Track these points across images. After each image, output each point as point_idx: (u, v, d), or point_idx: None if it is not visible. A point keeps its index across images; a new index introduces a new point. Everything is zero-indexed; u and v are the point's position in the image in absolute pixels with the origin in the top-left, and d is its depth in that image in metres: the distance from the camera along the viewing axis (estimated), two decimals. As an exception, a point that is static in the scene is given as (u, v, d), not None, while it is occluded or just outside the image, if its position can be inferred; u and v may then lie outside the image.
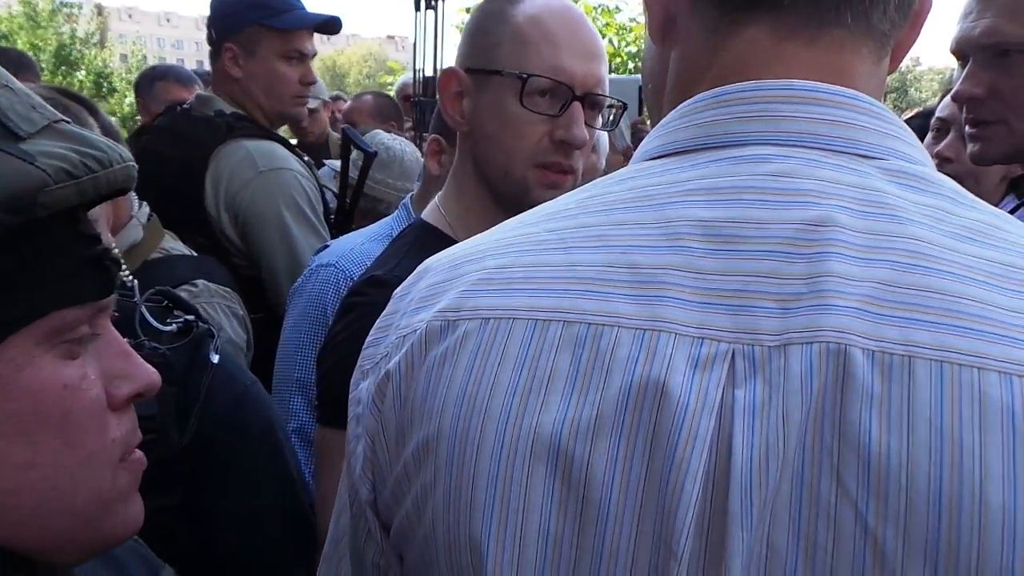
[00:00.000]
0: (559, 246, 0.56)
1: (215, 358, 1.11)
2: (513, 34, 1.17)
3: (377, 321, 0.65)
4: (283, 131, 2.51)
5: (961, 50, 1.34)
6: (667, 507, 0.48)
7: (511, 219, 0.63)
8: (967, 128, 1.35)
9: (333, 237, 2.02)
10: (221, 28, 2.09)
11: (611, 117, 1.28)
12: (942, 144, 1.93)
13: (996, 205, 1.91)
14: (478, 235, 0.64)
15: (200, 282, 1.62)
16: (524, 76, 1.14)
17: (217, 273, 1.70)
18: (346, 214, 2.24)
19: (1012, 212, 1.71)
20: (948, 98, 1.96)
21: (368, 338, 0.65)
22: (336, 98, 4.30)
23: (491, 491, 0.52)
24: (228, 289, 1.69)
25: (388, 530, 0.61)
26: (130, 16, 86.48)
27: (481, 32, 1.20)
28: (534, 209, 0.63)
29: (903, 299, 0.48)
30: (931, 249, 0.49)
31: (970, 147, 1.36)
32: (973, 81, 1.30)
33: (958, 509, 0.44)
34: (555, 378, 0.52)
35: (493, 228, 0.63)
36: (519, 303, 0.55)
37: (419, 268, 0.65)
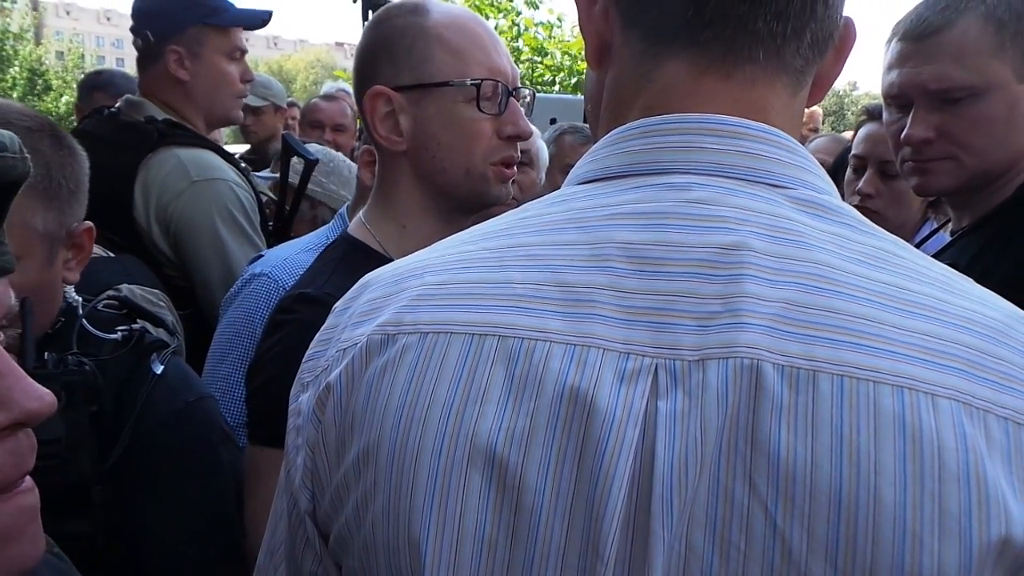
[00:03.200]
0: (495, 264, 0.60)
1: (158, 369, 1.07)
2: (441, 44, 1.19)
3: (317, 334, 0.67)
4: (228, 132, 2.45)
5: (904, 95, 1.36)
6: (595, 512, 0.52)
7: (450, 237, 0.66)
8: (910, 164, 1.39)
9: (271, 245, 1.98)
10: (161, 29, 2.01)
11: (524, 108, 1.35)
12: (862, 181, 1.98)
13: (917, 230, 1.99)
14: (420, 251, 0.66)
15: (124, 286, 1.56)
16: (477, 82, 1.18)
17: (140, 274, 1.64)
18: (285, 221, 2.20)
19: (929, 235, 1.77)
20: (862, 133, 2.02)
21: (308, 351, 0.67)
22: (291, 104, 4.20)
23: (429, 496, 0.55)
24: (155, 291, 1.62)
25: (327, 539, 0.63)
26: (68, 13, 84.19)
27: (403, 50, 1.21)
28: (471, 229, 0.66)
29: (807, 318, 0.52)
30: (833, 273, 0.54)
31: (914, 180, 1.40)
32: (924, 126, 1.33)
33: (855, 507, 0.49)
34: (491, 389, 0.55)
35: (434, 245, 0.66)
36: (456, 318, 0.58)
37: (360, 282, 0.67)
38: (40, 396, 0.58)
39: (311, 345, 0.67)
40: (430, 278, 0.61)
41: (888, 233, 0.60)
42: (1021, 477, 0.50)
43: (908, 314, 0.53)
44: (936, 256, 1.44)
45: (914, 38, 1.34)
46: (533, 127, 1.53)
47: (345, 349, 0.62)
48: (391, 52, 1.21)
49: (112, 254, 1.67)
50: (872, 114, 2.05)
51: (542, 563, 0.53)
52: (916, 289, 0.54)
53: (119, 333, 1.08)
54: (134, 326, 1.11)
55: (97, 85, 3.30)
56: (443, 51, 1.19)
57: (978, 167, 1.33)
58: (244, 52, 2.12)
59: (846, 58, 0.64)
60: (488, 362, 0.55)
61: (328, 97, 3.62)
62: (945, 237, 1.73)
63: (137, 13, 2.07)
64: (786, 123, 0.61)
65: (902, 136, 1.36)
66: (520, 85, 1.27)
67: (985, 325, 0.53)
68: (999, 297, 0.58)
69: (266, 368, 1.20)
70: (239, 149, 3.75)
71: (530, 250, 0.59)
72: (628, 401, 0.52)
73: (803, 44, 0.60)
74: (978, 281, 0.59)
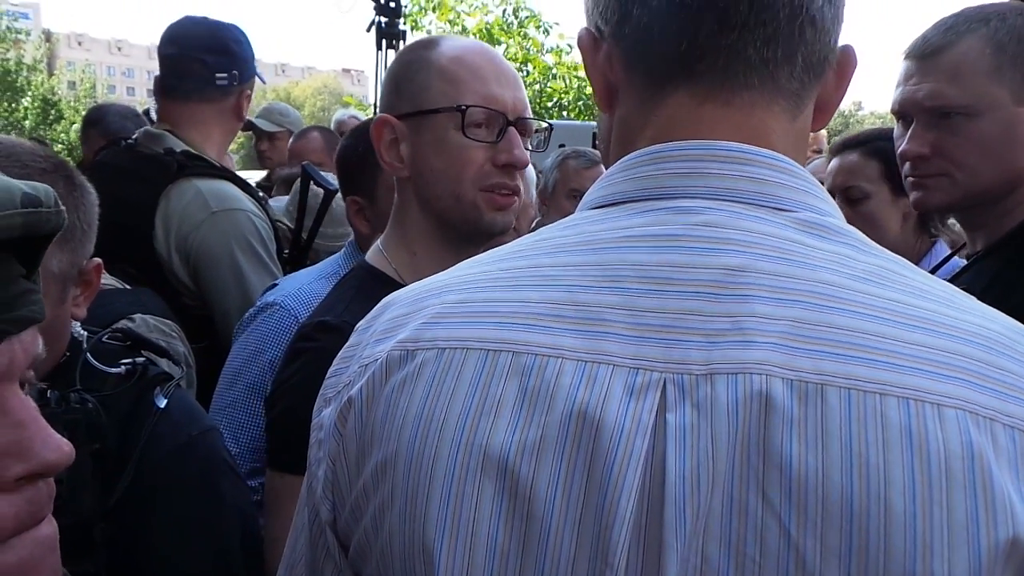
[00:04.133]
0: (511, 284, 0.62)
1: (161, 403, 1.08)
2: (440, 74, 1.24)
3: (340, 352, 0.69)
4: (238, 159, 2.53)
5: (904, 111, 1.41)
6: (604, 522, 0.53)
7: (469, 259, 0.69)
8: (909, 179, 1.43)
9: (287, 273, 2.00)
10: (244, 73, 2.17)
11: (540, 140, 1.39)
12: None
13: (920, 253, 1.99)
14: (440, 273, 0.69)
15: (137, 316, 1.57)
16: (463, 108, 1.21)
17: (154, 305, 1.66)
18: (301, 250, 2.21)
19: (944, 260, 1.77)
20: (829, 166, 2.05)
21: (331, 368, 0.69)
22: (306, 131, 4.21)
23: (444, 505, 0.57)
24: (169, 323, 1.64)
25: (347, 550, 0.65)
26: (80, 43, 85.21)
27: (407, 80, 1.26)
28: (489, 251, 0.69)
29: (814, 335, 0.54)
30: (837, 291, 0.56)
31: (913, 195, 1.44)
32: (919, 142, 1.37)
33: (866, 516, 0.50)
34: (504, 403, 0.57)
35: (453, 267, 0.69)
36: (473, 335, 0.60)
37: (382, 302, 0.70)
38: (59, 447, 0.59)
39: (334, 362, 0.69)
40: (448, 297, 0.64)
41: (891, 253, 0.62)
42: None
43: (912, 328, 0.54)
44: (951, 281, 1.45)
45: (916, 57, 1.39)
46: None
47: (367, 365, 0.64)
48: (397, 82, 1.28)
49: (128, 286, 1.69)
50: (832, 151, 2.10)
51: (552, 569, 0.54)
52: (919, 304, 0.56)
53: (122, 367, 1.08)
54: (138, 359, 1.10)
55: (90, 122, 3.39)
56: (440, 80, 1.23)
57: (971, 185, 1.35)
58: None
59: (847, 83, 0.67)
60: (502, 377, 0.58)
61: (299, 134, 3.58)
62: (960, 262, 1.74)
63: (224, 52, 2.13)
64: (788, 147, 0.64)
65: (899, 151, 1.40)
66: (528, 117, 1.28)
67: (988, 338, 0.55)
68: (1000, 313, 0.59)
69: (286, 396, 1.22)
70: (253, 175, 3.79)
71: (544, 271, 0.62)
72: (637, 414, 0.54)
73: (796, 68, 0.62)
74: (994, 307, 0.60)
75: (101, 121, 3.26)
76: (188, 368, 1.68)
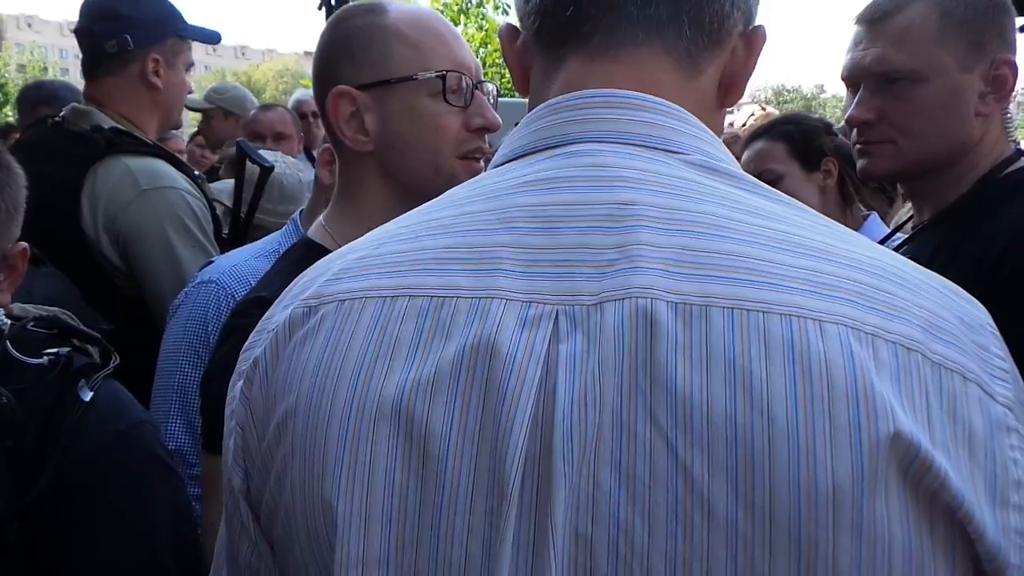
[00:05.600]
0: (410, 236, 0.63)
1: (86, 396, 1.01)
2: (402, 40, 1.18)
3: (264, 315, 0.69)
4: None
5: (853, 77, 1.40)
6: (498, 453, 0.53)
7: (380, 226, 0.69)
8: (857, 146, 1.42)
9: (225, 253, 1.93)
10: (144, 37, 1.99)
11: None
12: None
13: (843, 220, 2.02)
14: (352, 242, 0.69)
15: (15, 305, 1.47)
16: (442, 74, 1.16)
17: (53, 288, 1.53)
18: (240, 230, 2.15)
19: (890, 234, 1.76)
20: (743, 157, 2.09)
21: (247, 342, 0.68)
22: (267, 107, 4.09)
23: (341, 452, 0.57)
24: (52, 309, 1.51)
25: (260, 519, 0.65)
26: (30, 25, 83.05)
27: (362, 48, 1.19)
28: (399, 217, 0.69)
29: (701, 260, 0.55)
30: (723, 221, 0.57)
31: (860, 162, 1.43)
32: (865, 107, 1.37)
33: (750, 430, 0.51)
34: (400, 345, 0.57)
35: (367, 233, 0.69)
36: (372, 284, 0.61)
37: (298, 277, 0.69)
38: None
39: (258, 324, 0.68)
40: (351, 256, 0.64)
41: (789, 197, 0.62)
42: (909, 395, 0.52)
43: (798, 255, 0.55)
44: (895, 248, 1.43)
45: (865, 21, 1.38)
46: None
47: (272, 329, 0.64)
48: (351, 51, 1.19)
49: (42, 312, 1.56)
50: (757, 134, 2.13)
51: (451, 505, 0.54)
52: (808, 236, 0.57)
53: (45, 358, 1.02)
54: (62, 350, 1.03)
55: (40, 99, 3.17)
56: (404, 46, 1.17)
57: (915, 152, 1.35)
58: (192, 65, 2.15)
59: (756, 59, 0.68)
60: (398, 320, 0.58)
61: (266, 107, 3.49)
62: (903, 238, 1.73)
63: (110, 17, 2.00)
64: (689, 106, 0.65)
65: (845, 118, 1.40)
66: (483, 79, 1.25)
67: (873, 266, 0.56)
68: (894, 253, 0.61)
69: (220, 376, 1.16)
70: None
71: (443, 221, 0.63)
72: (529, 345, 0.55)
73: (683, 28, 0.64)
74: (939, 273, 0.60)
75: (52, 98, 3.06)
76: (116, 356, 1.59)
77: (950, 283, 0.60)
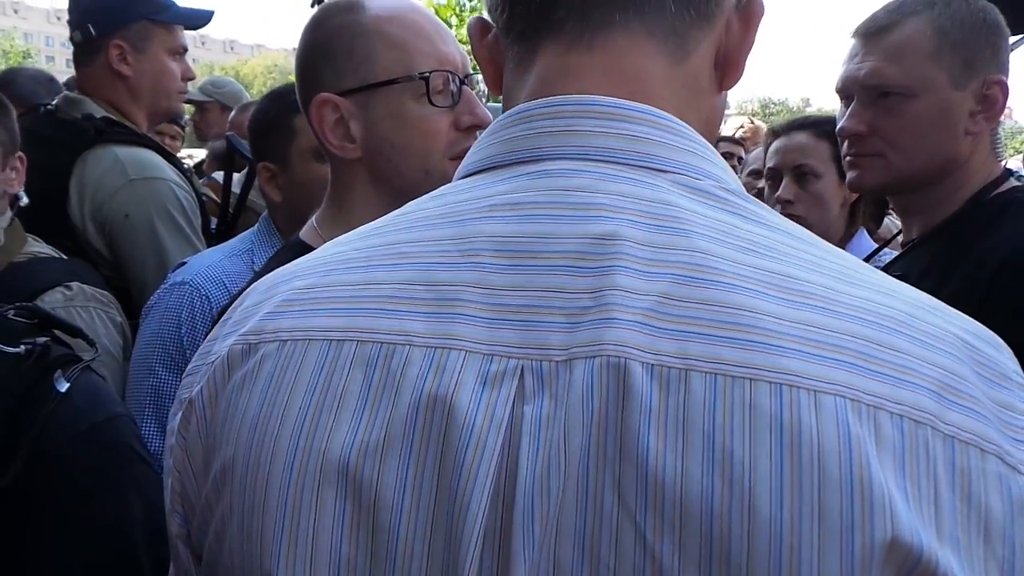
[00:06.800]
0: (362, 264, 0.56)
1: (62, 387, 0.99)
2: (383, 40, 1.13)
3: (200, 347, 0.62)
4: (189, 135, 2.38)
5: (846, 89, 1.41)
6: (454, 529, 0.47)
7: (332, 240, 0.63)
8: (847, 158, 1.43)
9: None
10: (105, 23, 1.94)
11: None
12: (780, 189, 2.01)
13: (843, 234, 2.03)
14: (299, 258, 0.62)
15: (75, 284, 1.52)
16: (425, 75, 1.11)
17: (90, 276, 1.60)
18: (228, 224, 2.13)
19: (876, 251, 1.78)
20: (771, 148, 2.08)
21: (190, 365, 0.62)
22: (247, 106, 4.07)
23: (281, 518, 0.51)
24: (106, 293, 1.58)
25: (202, 563, 0.59)
26: (16, 11, 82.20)
27: (342, 51, 1.14)
28: (356, 229, 0.62)
29: (681, 312, 0.48)
30: (712, 261, 0.50)
31: (850, 175, 1.44)
32: (857, 120, 1.38)
33: (728, 519, 0.44)
34: (346, 398, 0.51)
35: (316, 249, 0.63)
36: (316, 324, 0.54)
37: (247, 290, 0.63)
38: None
39: (195, 357, 0.62)
40: (298, 283, 0.57)
41: (789, 222, 0.55)
42: (915, 480, 0.45)
43: (792, 304, 0.48)
44: (885, 267, 1.44)
45: (861, 35, 1.40)
46: None
47: (212, 362, 0.58)
48: (331, 55, 1.14)
49: (64, 256, 1.62)
50: (776, 132, 2.12)
51: None
52: (807, 279, 0.50)
53: (22, 347, 0.99)
54: (39, 340, 1.01)
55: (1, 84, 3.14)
56: (385, 47, 1.12)
57: (904, 167, 1.37)
58: (185, 50, 2.09)
59: (754, 32, 0.61)
60: (345, 369, 0.52)
61: (246, 107, 3.48)
62: (892, 253, 1.75)
63: (77, 7, 1.99)
64: (672, 96, 0.57)
65: (837, 129, 1.42)
66: (472, 72, 1.19)
67: (882, 315, 0.49)
68: (908, 287, 0.53)
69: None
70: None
71: (400, 248, 0.56)
72: (490, 407, 0.48)
73: (666, 3, 0.56)
74: (932, 292, 0.55)
75: (11, 84, 3.03)
76: (125, 339, 1.63)
77: (969, 320, 0.52)
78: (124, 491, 1.02)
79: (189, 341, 1.52)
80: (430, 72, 1.12)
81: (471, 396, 0.49)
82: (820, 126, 2.01)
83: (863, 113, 1.37)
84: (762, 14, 0.61)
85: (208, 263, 1.60)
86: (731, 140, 4.84)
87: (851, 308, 0.48)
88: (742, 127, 3.97)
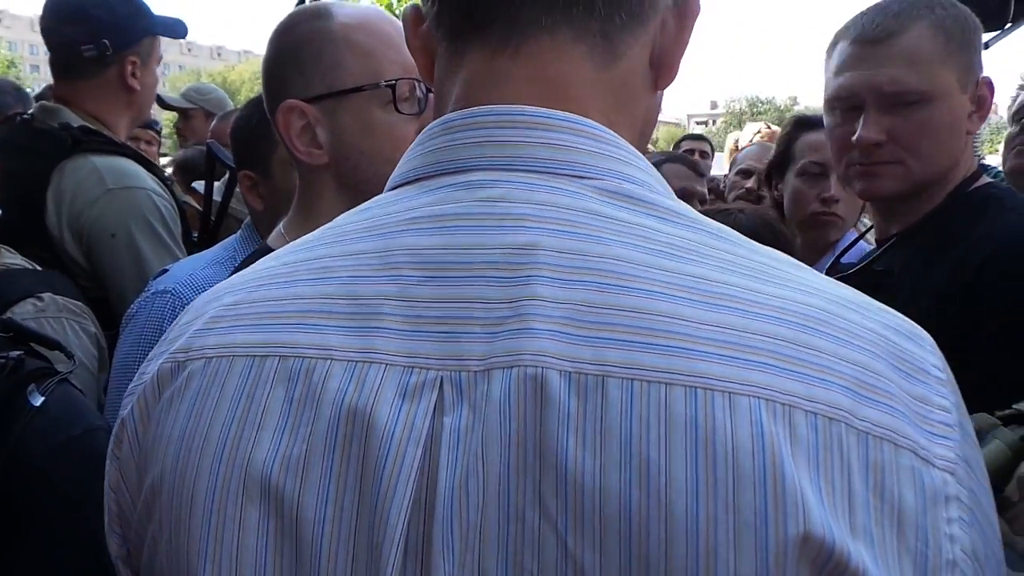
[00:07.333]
0: (287, 279, 0.56)
1: (37, 401, 0.98)
2: (350, 47, 1.13)
3: (143, 364, 0.62)
4: (171, 144, 2.43)
5: (856, 96, 1.36)
6: (375, 538, 0.48)
7: (268, 254, 0.63)
8: (857, 167, 1.39)
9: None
10: (121, 39, 1.97)
11: None
12: (832, 187, 2.02)
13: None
14: (236, 274, 0.63)
15: (47, 295, 1.50)
16: (391, 83, 1.12)
17: (64, 286, 1.59)
18: (210, 233, 2.12)
19: (852, 243, 1.78)
20: (813, 141, 2.08)
21: (131, 382, 0.62)
22: (230, 114, 4.07)
23: (206, 534, 0.51)
24: (79, 303, 1.57)
25: None
26: None
27: (310, 58, 1.14)
28: (290, 243, 0.62)
29: (598, 319, 0.48)
30: (629, 268, 0.50)
31: (860, 184, 1.40)
32: (876, 128, 1.33)
33: (646, 523, 0.45)
34: (269, 414, 0.51)
35: (252, 264, 0.63)
36: (239, 339, 0.55)
37: (186, 308, 0.63)
38: None
39: (135, 376, 0.62)
40: (227, 299, 0.58)
41: (712, 222, 0.55)
42: (828, 476, 0.46)
43: (711, 307, 0.48)
44: (866, 263, 1.44)
45: (867, 42, 1.34)
46: None
47: (143, 380, 0.59)
48: (298, 62, 1.15)
49: (38, 267, 1.61)
50: (811, 123, 2.10)
51: None
52: (725, 280, 0.50)
53: None
54: (12, 353, 0.99)
55: None
56: (353, 54, 1.13)
57: (923, 172, 1.35)
58: (161, 59, 2.14)
59: (689, 31, 0.60)
60: (267, 385, 0.52)
61: (229, 114, 3.47)
62: (865, 246, 1.75)
63: (88, 22, 1.96)
64: (599, 101, 0.57)
65: (854, 138, 1.35)
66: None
67: (800, 314, 0.49)
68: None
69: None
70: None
71: (324, 262, 0.56)
72: (409, 419, 0.49)
73: (596, 6, 0.56)
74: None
75: None
76: (100, 349, 1.62)
77: (891, 315, 0.53)
78: (100, 502, 1.01)
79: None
80: (396, 80, 1.12)
81: (391, 408, 0.49)
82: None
83: (880, 120, 1.33)
84: (697, 12, 0.61)
85: (190, 271, 1.58)
86: (694, 137, 4.84)
87: (769, 308, 0.49)
88: (759, 132, 3.97)
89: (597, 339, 0.47)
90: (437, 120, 0.59)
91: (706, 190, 2.69)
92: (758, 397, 0.46)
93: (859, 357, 0.49)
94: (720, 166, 5.34)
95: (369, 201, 0.60)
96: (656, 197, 0.55)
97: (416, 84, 1.14)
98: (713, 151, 4.98)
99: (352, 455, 0.49)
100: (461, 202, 0.54)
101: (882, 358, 0.49)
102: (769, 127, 4.05)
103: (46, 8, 1.99)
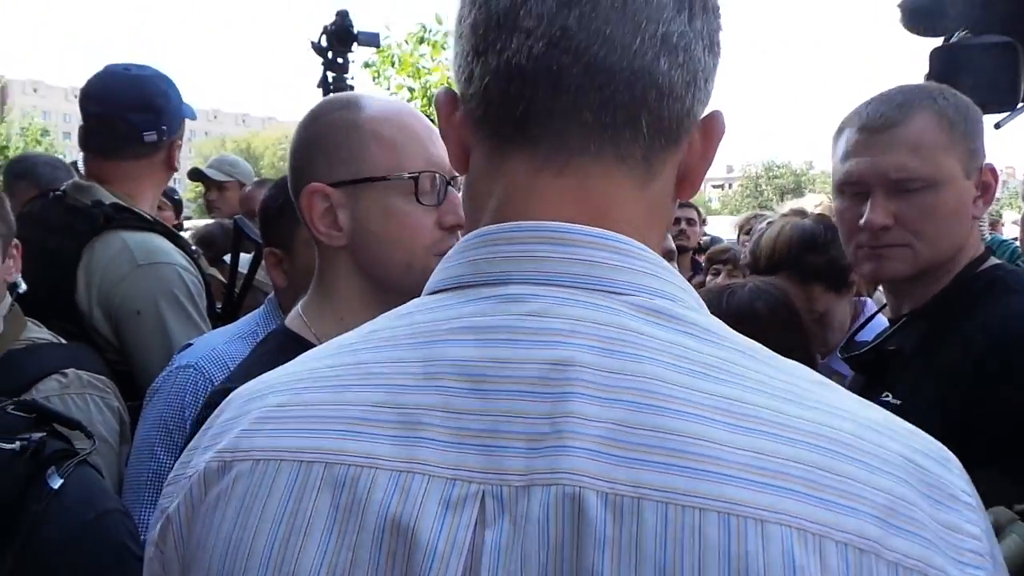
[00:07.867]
0: (335, 383, 0.58)
1: (55, 484, 1.01)
2: (376, 139, 1.18)
3: (182, 456, 0.63)
4: (195, 208, 2.52)
5: (863, 183, 1.40)
6: None
7: (308, 352, 0.65)
8: (865, 250, 1.42)
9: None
10: (172, 125, 2.10)
11: None
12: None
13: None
14: (276, 369, 0.64)
15: (71, 371, 1.54)
16: (414, 175, 1.17)
17: (89, 361, 1.62)
18: (233, 306, 2.16)
19: (872, 316, 1.80)
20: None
21: (172, 472, 0.63)
22: (261, 183, 4.21)
23: None
24: (102, 378, 1.60)
25: None
26: (35, 90, 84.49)
27: (336, 145, 1.20)
28: (327, 343, 0.65)
29: (634, 439, 0.49)
30: (663, 388, 0.51)
31: (868, 266, 1.44)
32: (883, 212, 1.38)
33: None
34: (315, 520, 0.53)
35: (292, 361, 0.64)
36: (287, 444, 0.56)
37: (226, 399, 0.65)
38: None
39: (176, 466, 0.64)
40: (272, 399, 0.59)
41: (740, 338, 0.57)
42: None
43: (742, 430, 0.49)
44: (880, 341, 1.46)
45: (872, 129, 1.39)
46: None
47: (189, 477, 0.60)
48: (325, 148, 1.21)
49: (63, 341, 1.65)
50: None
51: None
52: (755, 402, 0.51)
53: (17, 443, 1.01)
54: (34, 435, 1.03)
55: (19, 173, 3.19)
56: (378, 145, 1.18)
57: (930, 255, 1.38)
58: None
59: (714, 150, 0.63)
60: (314, 491, 0.53)
61: (261, 183, 3.62)
62: (884, 320, 1.76)
63: (148, 109, 2.05)
64: (636, 218, 0.59)
65: (862, 222, 1.39)
66: (457, 174, 1.25)
67: (829, 438, 0.50)
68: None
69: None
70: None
71: (369, 367, 0.57)
72: (452, 531, 0.50)
73: (640, 133, 0.58)
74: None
75: (30, 172, 3.12)
76: (122, 424, 1.64)
77: (919, 437, 0.54)
78: None
79: (191, 425, 1.53)
80: (419, 173, 1.17)
81: (434, 521, 0.50)
82: None
83: (887, 205, 1.37)
84: (722, 133, 0.63)
85: (212, 346, 1.62)
86: (683, 204, 4.96)
87: (798, 432, 0.50)
88: (819, 204, 4.03)
89: (633, 460, 0.49)
90: (478, 231, 0.60)
91: (673, 246, 2.87)
92: (789, 527, 0.46)
93: (887, 483, 0.49)
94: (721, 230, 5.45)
95: (409, 305, 0.62)
96: (686, 312, 0.57)
97: (436, 177, 1.19)
98: (700, 217, 5.17)
99: (396, 565, 0.50)
100: (500, 315, 0.56)
101: (911, 484, 0.50)
102: (829, 197, 4.08)
103: (108, 96, 2.07)
